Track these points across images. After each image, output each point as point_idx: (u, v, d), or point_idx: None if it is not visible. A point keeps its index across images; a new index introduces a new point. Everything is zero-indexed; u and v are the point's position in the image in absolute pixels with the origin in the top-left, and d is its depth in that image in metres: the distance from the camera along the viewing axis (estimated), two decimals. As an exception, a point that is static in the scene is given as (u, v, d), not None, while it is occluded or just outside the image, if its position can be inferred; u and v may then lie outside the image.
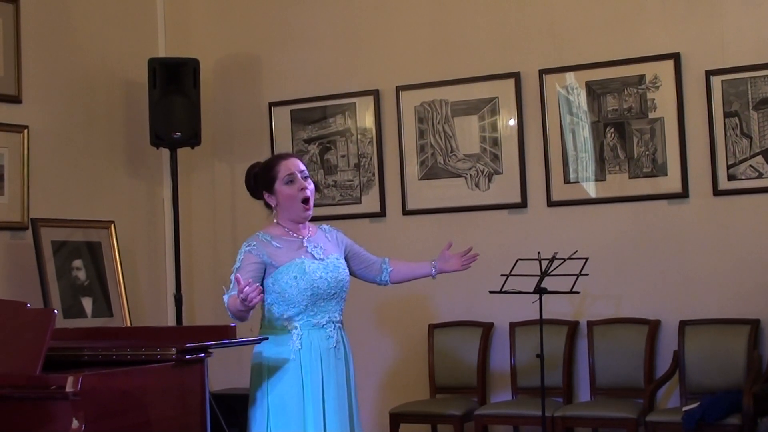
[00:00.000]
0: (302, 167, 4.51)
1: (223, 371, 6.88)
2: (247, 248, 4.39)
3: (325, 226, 4.68)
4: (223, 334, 4.04)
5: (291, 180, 4.45)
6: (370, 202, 7.09)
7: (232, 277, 4.35)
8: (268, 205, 4.56)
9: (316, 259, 4.43)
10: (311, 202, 4.48)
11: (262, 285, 4.39)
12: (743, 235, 6.17)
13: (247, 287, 3.99)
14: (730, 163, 6.17)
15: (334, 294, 4.44)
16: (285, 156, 4.60)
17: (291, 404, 4.32)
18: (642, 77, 6.38)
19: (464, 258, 4.90)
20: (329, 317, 4.44)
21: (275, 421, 4.33)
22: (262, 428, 4.35)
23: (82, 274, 6.58)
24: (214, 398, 5.78)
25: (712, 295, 6.21)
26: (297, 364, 4.35)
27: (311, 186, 4.49)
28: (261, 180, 4.51)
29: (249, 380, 4.47)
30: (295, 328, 4.37)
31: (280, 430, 4.32)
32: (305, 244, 4.46)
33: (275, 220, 4.52)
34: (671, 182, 6.32)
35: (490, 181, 6.76)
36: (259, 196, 4.56)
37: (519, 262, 5.91)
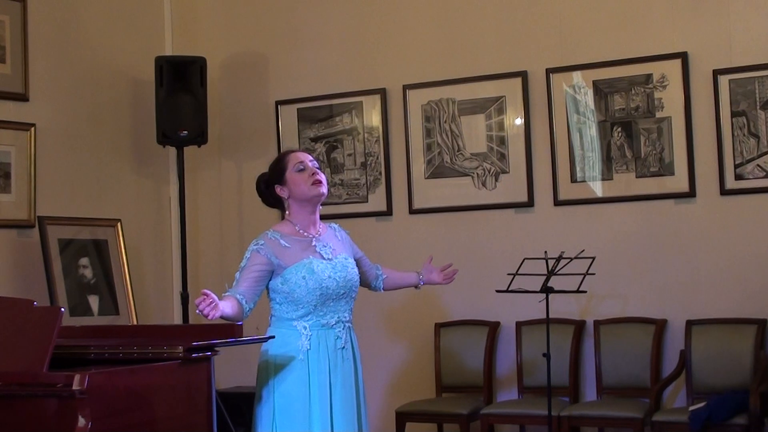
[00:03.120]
0: (311, 158, 4.53)
1: (229, 370, 6.88)
2: (255, 247, 4.38)
3: (335, 224, 4.68)
4: (230, 332, 4.04)
5: (302, 168, 4.45)
6: (376, 201, 7.09)
7: (237, 275, 4.37)
8: (281, 206, 4.54)
9: (324, 258, 4.42)
10: (324, 182, 4.46)
11: (267, 287, 4.40)
12: (750, 234, 6.16)
13: (202, 303, 3.95)
14: (737, 162, 6.16)
15: (343, 294, 4.43)
16: (294, 149, 4.66)
17: (297, 404, 4.32)
18: (649, 76, 6.37)
19: (445, 272, 4.92)
20: (338, 317, 4.43)
21: (281, 420, 4.33)
22: (268, 427, 4.35)
23: (88, 272, 6.58)
24: (220, 397, 5.79)
25: (718, 294, 6.21)
26: (305, 364, 4.34)
27: (323, 176, 4.48)
28: (271, 174, 4.51)
29: (255, 379, 4.47)
30: (304, 328, 4.36)
31: (286, 429, 4.31)
32: (314, 244, 4.45)
33: (287, 212, 4.51)
34: (678, 182, 6.31)
35: (496, 180, 6.75)
36: (270, 197, 4.54)
37: (525, 261, 5.91)
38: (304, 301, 4.34)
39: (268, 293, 4.45)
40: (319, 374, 4.35)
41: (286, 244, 4.39)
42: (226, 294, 4.26)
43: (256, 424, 4.42)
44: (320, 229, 4.54)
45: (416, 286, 4.96)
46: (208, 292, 3.99)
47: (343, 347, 4.43)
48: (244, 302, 4.26)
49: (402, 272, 4.98)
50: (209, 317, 3.98)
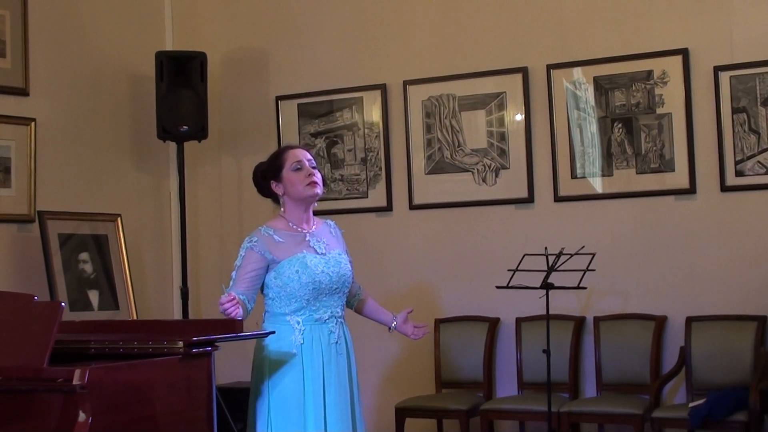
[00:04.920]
0: (309, 157, 4.53)
1: (228, 365, 6.88)
2: (249, 244, 4.40)
3: (330, 221, 4.68)
4: (230, 327, 4.05)
5: (299, 167, 4.46)
6: (376, 197, 7.09)
7: (233, 274, 4.40)
8: (275, 199, 4.56)
9: (318, 253, 4.44)
10: (319, 183, 4.48)
11: (262, 284, 4.43)
12: (750, 231, 6.16)
13: (228, 303, 4.10)
14: (737, 159, 6.16)
15: (336, 289, 4.45)
16: (293, 146, 4.64)
17: (292, 399, 4.34)
18: (650, 73, 6.37)
19: (416, 329, 4.80)
20: (331, 312, 4.45)
21: (276, 415, 4.34)
22: (263, 422, 4.36)
23: (88, 267, 6.59)
24: (219, 392, 5.79)
25: (718, 291, 6.21)
26: (299, 359, 4.36)
27: (319, 176, 4.49)
28: (268, 169, 4.52)
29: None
30: (297, 323, 4.38)
31: (281, 424, 4.32)
32: (308, 239, 4.46)
33: (282, 210, 4.51)
34: (678, 178, 6.31)
35: (497, 176, 6.75)
36: (266, 190, 4.56)
37: (526, 257, 5.90)
38: (297, 295, 4.36)
39: (262, 288, 4.46)
40: (313, 369, 4.36)
41: (280, 239, 4.41)
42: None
43: (251, 419, 4.42)
44: (314, 225, 4.55)
45: (389, 328, 4.82)
46: (234, 294, 4.18)
47: (337, 342, 4.45)
48: (246, 302, 4.32)
49: (379, 306, 4.84)
50: (233, 315, 4.09)
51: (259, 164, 4.63)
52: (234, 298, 4.13)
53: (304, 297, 4.37)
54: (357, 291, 4.75)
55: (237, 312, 4.10)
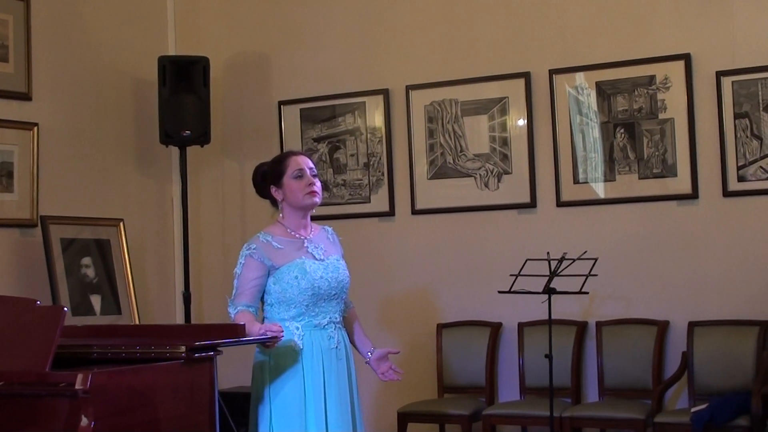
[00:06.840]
0: (311, 164, 4.54)
1: (230, 370, 6.87)
2: (248, 252, 4.42)
3: (328, 227, 4.68)
4: (233, 332, 4.05)
5: (300, 175, 4.47)
6: (379, 202, 7.09)
7: (235, 282, 4.42)
8: (274, 203, 4.57)
9: (316, 259, 4.45)
10: (319, 192, 4.49)
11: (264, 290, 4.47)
12: (753, 236, 6.16)
13: (275, 331, 4.14)
14: (740, 164, 6.16)
15: (334, 294, 4.46)
16: (295, 152, 4.66)
17: (293, 404, 4.35)
18: (652, 78, 6.37)
19: (390, 371, 4.72)
20: (330, 318, 4.46)
21: (277, 421, 4.35)
22: (265, 427, 4.37)
23: (90, 272, 6.59)
24: (221, 396, 5.79)
25: (721, 296, 6.20)
26: (299, 364, 4.37)
27: (319, 184, 4.50)
28: (269, 173, 4.53)
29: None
30: (297, 328, 4.39)
31: (283, 429, 4.33)
32: (306, 245, 4.48)
33: (280, 215, 4.52)
34: (681, 183, 6.31)
35: (499, 180, 6.75)
36: (265, 192, 4.57)
37: (528, 262, 5.91)
38: (297, 300, 4.37)
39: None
40: (313, 374, 4.37)
41: (278, 246, 4.42)
42: (241, 310, 4.35)
43: (253, 424, 4.43)
44: (312, 231, 4.56)
45: (365, 358, 4.73)
46: (281, 324, 4.26)
47: (336, 347, 4.45)
48: (255, 313, 4.38)
49: (363, 333, 4.75)
50: (272, 347, 4.21)
51: (260, 165, 4.64)
52: (282, 330, 4.17)
53: (303, 303, 4.38)
54: (346, 306, 4.67)
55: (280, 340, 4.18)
